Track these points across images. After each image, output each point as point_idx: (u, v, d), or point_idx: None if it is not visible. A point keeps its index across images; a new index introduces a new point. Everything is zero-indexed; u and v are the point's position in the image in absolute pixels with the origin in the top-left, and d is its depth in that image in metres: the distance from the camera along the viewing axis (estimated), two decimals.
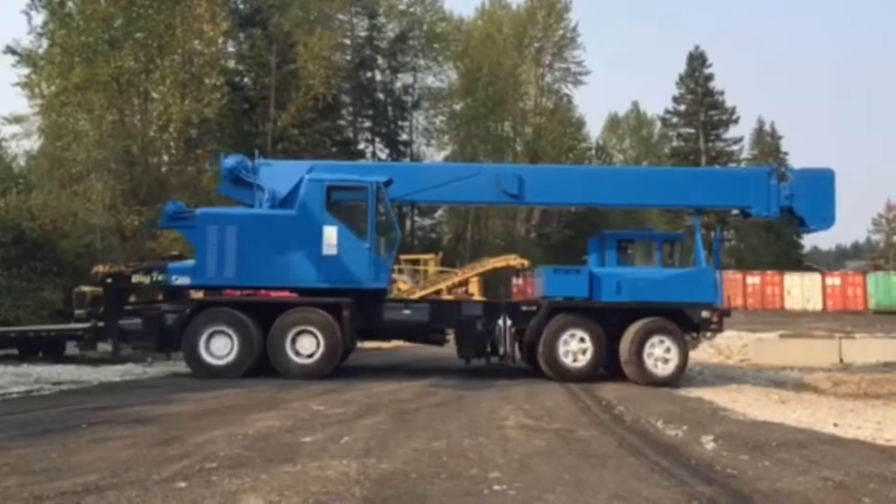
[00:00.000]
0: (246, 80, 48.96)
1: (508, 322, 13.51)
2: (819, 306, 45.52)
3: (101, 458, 6.81)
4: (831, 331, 26.29)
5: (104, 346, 15.95)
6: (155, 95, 41.89)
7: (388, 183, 13.58)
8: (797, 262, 65.81)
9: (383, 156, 60.31)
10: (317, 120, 45.82)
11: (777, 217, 14.68)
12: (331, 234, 13.26)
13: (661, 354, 13.16)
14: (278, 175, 14.09)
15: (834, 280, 47.90)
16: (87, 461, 6.70)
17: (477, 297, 30.52)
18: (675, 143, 74.44)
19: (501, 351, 13.53)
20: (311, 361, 12.94)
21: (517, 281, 47.09)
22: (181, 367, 14.87)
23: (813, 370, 16.98)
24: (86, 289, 19.67)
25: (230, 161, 14.16)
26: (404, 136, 61.17)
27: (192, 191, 39.91)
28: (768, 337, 20.75)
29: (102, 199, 34.38)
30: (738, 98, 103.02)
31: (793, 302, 45.16)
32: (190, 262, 14.09)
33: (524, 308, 13.89)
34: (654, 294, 13.61)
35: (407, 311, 13.85)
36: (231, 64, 49.05)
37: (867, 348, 19.87)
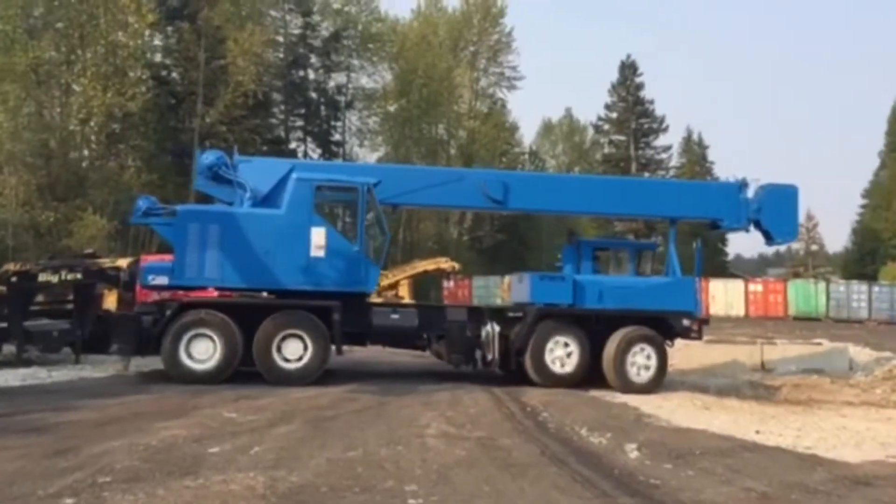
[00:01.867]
0: (173, 74, 47.59)
1: (497, 328, 13.27)
2: (742, 312, 46.57)
3: None
4: (753, 336, 26.79)
5: (9, 349, 15.08)
6: (76, 88, 40.39)
7: (376, 184, 13.15)
8: (721, 268, 67.38)
9: (315, 156, 59.40)
10: (246, 117, 44.71)
11: (745, 230, 14.84)
12: (319, 235, 12.72)
13: (642, 362, 13.17)
14: (258, 173, 13.47)
15: (756, 287, 49.08)
16: None
17: (407, 300, 30.17)
18: (606, 150, 75.57)
19: (490, 357, 13.25)
20: (299, 366, 12.35)
21: (448, 284, 46.95)
22: (89, 371, 14.17)
23: (734, 376, 17.13)
24: None
25: (209, 157, 13.43)
26: (337, 136, 60.33)
27: (114, 186, 38.58)
28: (693, 342, 20.86)
29: (16, 194, 32.89)
30: (668, 107, 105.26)
31: (717, 307, 46.06)
32: (165, 261, 13.31)
33: (510, 314, 13.72)
34: (638, 302, 13.65)
35: (395, 316, 13.41)
36: (157, 58, 47.66)
37: (787, 353, 20.22)
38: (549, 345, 13.14)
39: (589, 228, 71.44)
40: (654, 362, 13.21)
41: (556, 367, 13.16)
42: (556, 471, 6.83)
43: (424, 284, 39.78)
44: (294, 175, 13.07)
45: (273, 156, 53.28)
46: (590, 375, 13.38)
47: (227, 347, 12.19)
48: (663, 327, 13.60)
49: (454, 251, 50.28)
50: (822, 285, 48.79)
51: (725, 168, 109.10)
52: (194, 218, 12.81)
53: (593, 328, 13.39)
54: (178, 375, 12.12)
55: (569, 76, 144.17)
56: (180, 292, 13.63)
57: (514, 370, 13.54)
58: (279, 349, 12.37)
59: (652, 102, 72.93)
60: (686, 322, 13.69)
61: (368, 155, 61.80)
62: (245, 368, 12.54)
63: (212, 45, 43.79)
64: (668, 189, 15.10)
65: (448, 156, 61.85)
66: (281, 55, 55.72)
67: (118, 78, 40.00)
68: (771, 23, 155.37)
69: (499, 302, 39.11)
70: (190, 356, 12.21)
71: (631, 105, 72.59)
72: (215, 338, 12.23)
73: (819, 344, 21.29)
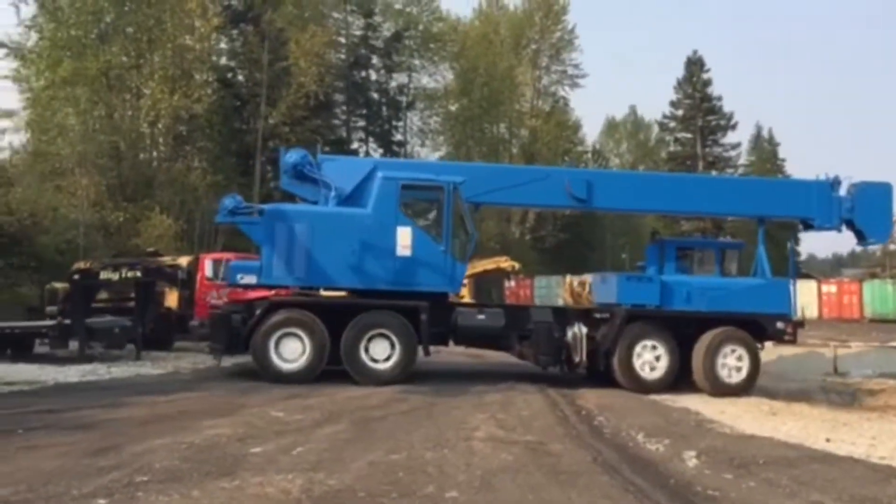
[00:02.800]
0: (237, 76, 48.35)
1: (584, 329, 13.04)
2: (815, 314, 44.92)
3: (25, 469, 6.24)
4: (826, 339, 25.74)
5: (74, 345, 15.39)
6: (145, 91, 41.36)
7: (461, 183, 13.05)
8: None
9: (377, 156, 59.67)
10: (308, 118, 45.09)
11: (837, 229, 14.44)
12: (405, 234, 12.64)
13: (733, 364, 12.87)
14: (342, 172, 13.42)
15: (830, 288, 47.31)
16: (7, 472, 6.13)
17: (467, 300, 29.92)
18: (672, 148, 73.97)
19: (577, 359, 13.01)
20: (387, 367, 12.33)
21: (509, 284, 46.49)
22: (148, 368, 14.32)
23: (806, 380, 16.39)
24: (58, 285, 19.11)
25: (293, 156, 13.40)
26: (398, 137, 60.45)
27: (180, 187, 39.37)
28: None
29: (87, 195, 33.79)
30: (736, 103, 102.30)
31: None
32: (253, 261, 13.42)
33: (597, 315, 13.44)
34: (730, 304, 13.35)
35: (481, 317, 13.21)
36: (222, 60, 48.50)
37: (862, 357, 19.30)
38: (637, 349, 12.84)
39: (660, 227, 70.25)
40: (746, 364, 12.89)
41: (645, 372, 12.85)
42: (608, 479, 6.47)
43: (485, 284, 39.44)
44: (380, 174, 12.99)
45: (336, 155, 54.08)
46: (680, 378, 13.09)
47: (316, 347, 12.17)
48: (755, 330, 13.25)
49: (516, 250, 49.77)
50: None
51: (797, 166, 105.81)
52: (281, 217, 12.74)
53: (683, 331, 13.09)
54: (268, 375, 12.14)
55: (633, 73, 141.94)
56: (252, 292, 13.71)
57: (601, 372, 13.25)
58: (367, 349, 12.32)
59: (719, 99, 71.09)
60: (780, 325, 13.31)
61: (430, 155, 61.81)
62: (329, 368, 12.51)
63: (275, 47, 44.33)
64: (758, 187, 14.88)
65: (510, 155, 61.48)
66: (343, 56, 56.19)
67: (185, 80, 40.82)
68: (843, 13, 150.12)
69: (560, 302, 38.52)
70: (279, 356, 12.20)
71: (697, 102, 70.85)
72: (304, 337, 12.20)
73: None
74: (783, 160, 75.13)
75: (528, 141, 63.26)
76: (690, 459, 7.37)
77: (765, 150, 76.04)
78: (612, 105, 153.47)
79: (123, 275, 17.42)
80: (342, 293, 13.32)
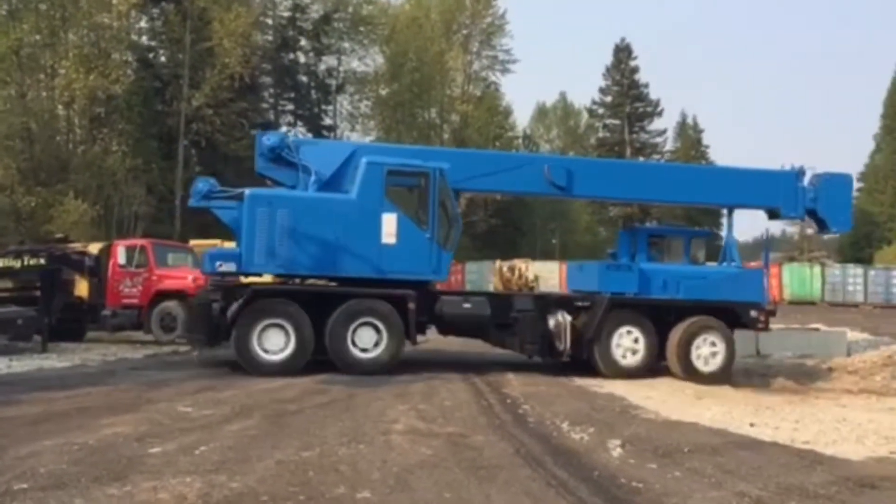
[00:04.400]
0: (158, 56, 46.72)
1: (568, 318, 12.89)
2: None
3: None
4: None
5: None
6: (59, 70, 39.58)
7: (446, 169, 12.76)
8: (715, 252, 66.75)
9: None
10: (234, 100, 43.85)
11: (801, 218, 14.88)
12: (390, 221, 12.29)
13: (708, 352, 13.00)
14: (321, 156, 12.99)
15: None
16: None
17: None
18: (601, 134, 74.89)
19: (561, 347, 12.87)
20: (373, 356, 12.03)
21: None
22: (53, 360, 13.52)
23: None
24: None
25: (271, 139, 12.87)
26: (328, 121, 59.37)
27: (97, 171, 37.84)
28: None
29: None
30: (662, 90, 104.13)
31: None
32: (231, 248, 12.70)
33: (578, 304, 13.30)
34: (707, 292, 13.49)
35: (467, 305, 12.91)
36: (142, 40, 46.78)
37: (783, 339, 19.60)
38: (616, 336, 12.87)
39: (583, 213, 70.99)
40: (721, 353, 13.04)
41: (624, 358, 12.90)
42: (530, 473, 6.18)
43: None
44: (365, 159, 12.58)
45: None
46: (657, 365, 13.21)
47: (301, 338, 11.77)
48: (730, 317, 13.38)
49: None
50: (817, 269, 48.22)
51: (720, 153, 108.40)
52: (264, 202, 12.14)
53: (662, 318, 13.14)
54: (250, 367, 11.65)
55: (563, 60, 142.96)
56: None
57: (585, 360, 13.17)
58: (353, 338, 11.98)
59: (646, 86, 72.29)
60: (754, 313, 13.48)
61: (360, 139, 60.91)
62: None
63: (197, 27, 42.93)
64: (729, 177, 14.87)
65: (441, 140, 61.06)
66: (270, 38, 54.86)
67: (102, 60, 39.19)
68: (764, 4, 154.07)
69: (491, 287, 38.43)
70: (262, 347, 11.73)
71: (625, 89, 71.90)
72: (288, 328, 11.78)
73: (816, 329, 20.67)
74: (707, 147, 76.82)
75: (460, 126, 62.96)
76: (615, 449, 7.15)
77: (689, 136, 77.49)
78: (543, 91, 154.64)
79: (26, 262, 16.44)
80: (321, 281, 12.89)
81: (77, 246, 18.80)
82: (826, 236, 39.19)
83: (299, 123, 58.28)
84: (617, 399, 10.41)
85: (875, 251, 59.36)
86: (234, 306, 11.74)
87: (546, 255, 56.69)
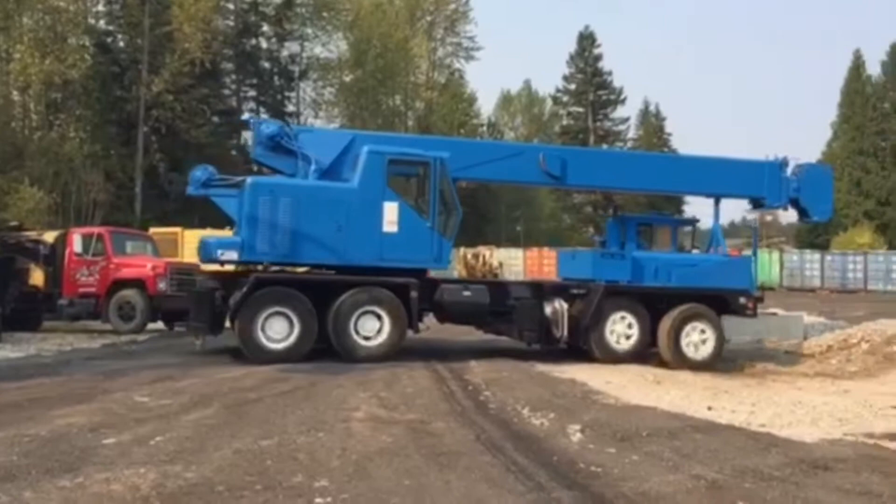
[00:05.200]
0: (117, 41, 45.81)
1: (565, 305, 13.02)
2: None
3: None
4: None
5: None
6: (13, 55, 38.69)
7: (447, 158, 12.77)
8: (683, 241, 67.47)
9: None
10: (195, 86, 43.21)
11: (785, 207, 15.16)
12: (391, 210, 12.31)
13: (697, 339, 13.19)
14: (319, 144, 12.96)
15: None
16: None
17: None
18: (565, 122, 75.21)
19: (558, 334, 13.02)
20: (376, 344, 12.08)
21: None
22: (7, 350, 13.24)
23: None
24: None
25: (270, 127, 12.86)
26: (291, 108, 58.72)
27: (54, 158, 37.12)
28: None
29: None
30: (626, 78, 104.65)
31: None
32: (231, 236, 12.58)
33: (574, 291, 13.41)
34: (697, 280, 13.71)
35: (467, 293, 12.95)
36: (100, 24, 45.86)
37: (741, 323, 19.88)
38: (610, 322, 13.03)
39: (547, 200, 71.25)
40: (710, 338, 13.22)
41: (618, 344, 13.07)
42: (490, 459, 6.18)
43: None
44: (366, 148, 12.56)
45: (226, 127, 52.10)
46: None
47: (304, 325, 11.74)
48: (719, 304, 13.59)
49: None
50: (775, 255, 49.07)
51: (682, 140, 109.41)
52: (266, 191, 12.08)
53: (655, 305, 13.32)
54: (254, 355, 11.57)
55: (527, 47, 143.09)
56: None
57: (582, 347, 13.32)
58: (356, 326, 11.98)
59: (610, 74, 72.69)
60: (743, 300, 13.68)
61: (324, 126, 60.40)
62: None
63: (156, 11, 42.23)
64: (717, 167, 15.06)
65: (405, 127, 60.84)
66: (231, 23, 54.03)
67: (58, 45, 38.44)
68: None
69: (455, 274, 38.45)
70: (266, 335, 11.65)
71: (589, 77, 72.21)
72: (292, 315, 11.72)
73: (773, 314, 21.01)
74: (669, 134, 77.49)
75: (424, 113, 62.86)
76: (574, 434, 7.19)
77: (652, 124, 78.09)
78: (507, 79, 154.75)
79: None
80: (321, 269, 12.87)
81: (32, 234, 18.39)
82: (786, 222, 39.88)
83: (262, 110, 57.55)
84: (578, 385, 10.46)
85: (831, 237, 60.44)
86: (238, 294, 11.69)
87: (511, 241, 56.93)
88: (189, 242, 27.37)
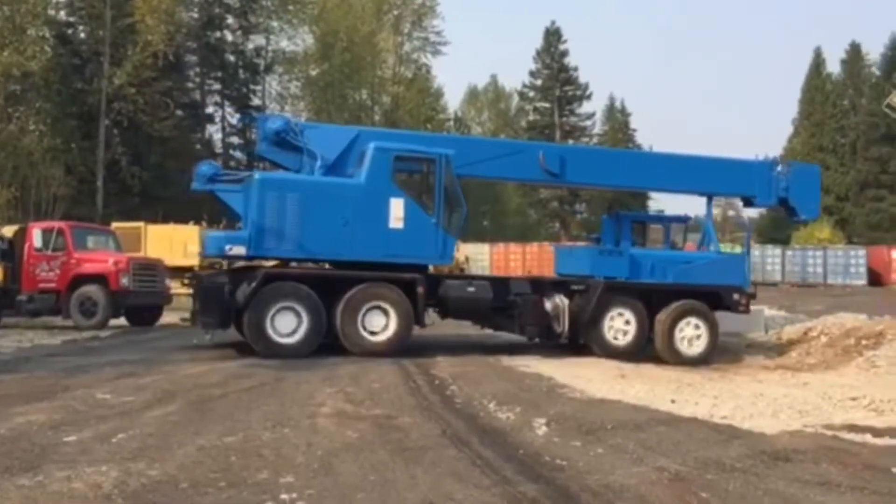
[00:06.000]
0: (77, 32, 44.98)
1: (566, 301, 13.12)
2: None
3: None
4: None
5: None
6: None
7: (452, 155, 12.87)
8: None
9: (234, 121, 57.39)
10: (158, 79, 42.55)
11: (774, 206, 15.68)
12: (398, 206, 12.39)
13: (691, 334, 13.37)
14: (324, 140, 13.08)
15: None
16: None
17: None
18: (531, 117, 75.40)
19: (559, 329, 13.11)
20: (383, 339, 12.20)
21: None
22: None
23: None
24: None
25: (277, 122, 12.99)
26: (257, 101, 58.12)
27: (13, 151, 36.35)
28: None
29: None
30: (591, 74, 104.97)
31: None
32: (239, 231, 12.52)
33: (574, 287, 13.47)
34: (693, 276, 13.92)
35: (471, 289, 13.03)
36: (60, 15, 44.95)
37: None
38: (608, 318, 13.17)
39: (514, 196, 71.45)
40: (704, 334, 13.39)
41: (615, 340, 13.23)
42: (456, 454, 6.20)
43: None
44: (373, 144, 12.63)
45: (190, 121, 51.49)
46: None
47: (313, 319, 11.83)
48: (714, 301, 13.80)
49: None
50: (738, 249, 49.67)
51: (647, 136, 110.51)
52: (274, 186, 12.20)
53: (650, 301, 13.48)
54: (263, 349, 11.67)
55: (494, 42, 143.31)
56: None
57: (581, 342, 13.56)
58: (363, 322, 12.07)
59: (576, 69, 73.00)
60: (736, 296, 13.93)
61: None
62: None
63: (118, 3, 41.53)
64: (710, 165, 15.37)
65: (372, 122, 60.53)
66: (195, 15, 53.29)
67: (16, 36, 37.54)
68: None
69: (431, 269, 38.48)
70: (275, 329, 11.72)
71: (555, 72, 72.48)
72: (301, 311, 11.81)
73: None
74: (634, 130, 78.14)
75: (391, 108, 62.56)
76: (540, 427, 7.24)
77: (617, 119, 78.67)
78: (474, 74, 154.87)
79: None
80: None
81: None
82: (747, 217, 40.38)
83: (227, 103, 57.02)
84: (544, 379, 10.52)
85: (792, 232, 61.42)
86: (247, 289, 11.69)
87: (477, 236, 56.95)
88: (152, 237, 27.04)
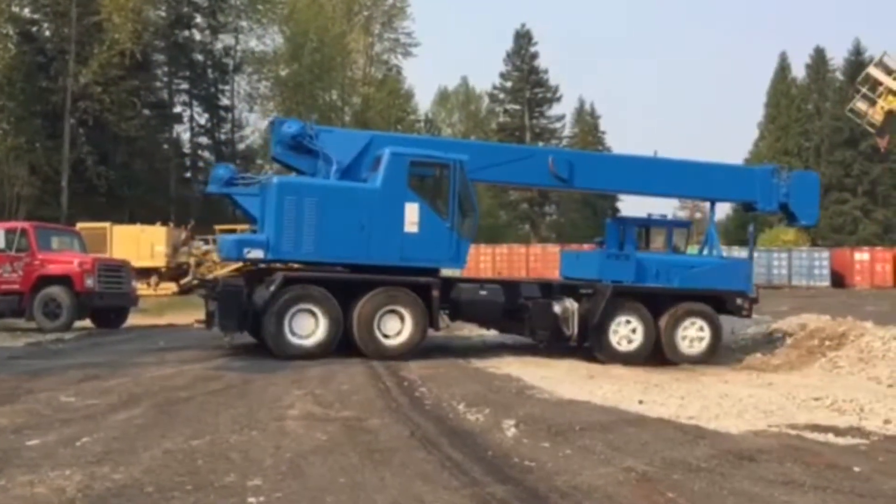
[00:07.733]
0: (42, 30, 44.29)
1: (575, 304, 13.19)
2: None
3: None
4: None
5: None
6: None
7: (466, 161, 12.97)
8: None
9: (202, 121, 56.94)
10: (125, 78, 42.06)
11: (775, 212, 15.96)
12: (412, 211, 12.50)
13: (694, 335, 13.55)
14: (338, 144, 13.16)
15: None
16: None
17: None
18: (501, 119, 75.67)
19: (568, 333, 13.16)
20: (398, 342, 12.30)
21: None
22: None
23: None
24: None
25: (293, 126, 12.97)
26: (225, 101, 57.70)
27: None
28: None
29: None
30: (561, 77, 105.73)
31: None
32: (257, 234, 12.60)
33: (582, 291, 13.52)
34: (698, 281, 14.05)
35: (483, 293, 13.09)
36: (24, 12, 44.21)
37: None
38: (615, 323, 13.23)
39: (484, 197, 71.56)
40: (707, 335, 13.57)
41: (619, 345, 13.28)
42: (425, 456, 6.21)
43: None
44: (388, 150, 12.74)
45: (157, 121, 50.92)
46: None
47: (331, 323, 11.94)
48: (718, 305, 13.96)
49: None
50: (705, 251, 50.24)
51: (616, 139, 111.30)
52: (292, 190, 12.23)
53: (656, 305, 13.57)
54: (281, 352, 11.74)
55: (465, 44, 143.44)
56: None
57: (587, 346, 13.55)
58: (379, 325, 12.19)
59: (546, 72, 73.40)
60: (739, 301, 14.10)
61: (259, 121, 59.53)
62: None
63: (84, 0, 40.90)
64: (714, 172, 15.60)
65: (342, 122, 60.31)
66: (163, 13, 52.68)
67: None
68: None
69: None
70: (293, 332, 11.84)
71: (525, 74, 72.80)
72: (318, 313, 11.93)
73: None
74: (603, 133, 78.76)
75: (361, 108, 62.37)
76: (509, 429, 7.26)
77: (587, 122, 79.23)
78: (445, 75, 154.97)
79: None
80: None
81: None
82: (716, 219, 40.94)
83: (195, 103, 56.51)
84: (514, 380, 10.55)
85: (757, 235, 62.28)
86: (265, 292, 11.75)
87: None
88: (118, 238, 26.71)
